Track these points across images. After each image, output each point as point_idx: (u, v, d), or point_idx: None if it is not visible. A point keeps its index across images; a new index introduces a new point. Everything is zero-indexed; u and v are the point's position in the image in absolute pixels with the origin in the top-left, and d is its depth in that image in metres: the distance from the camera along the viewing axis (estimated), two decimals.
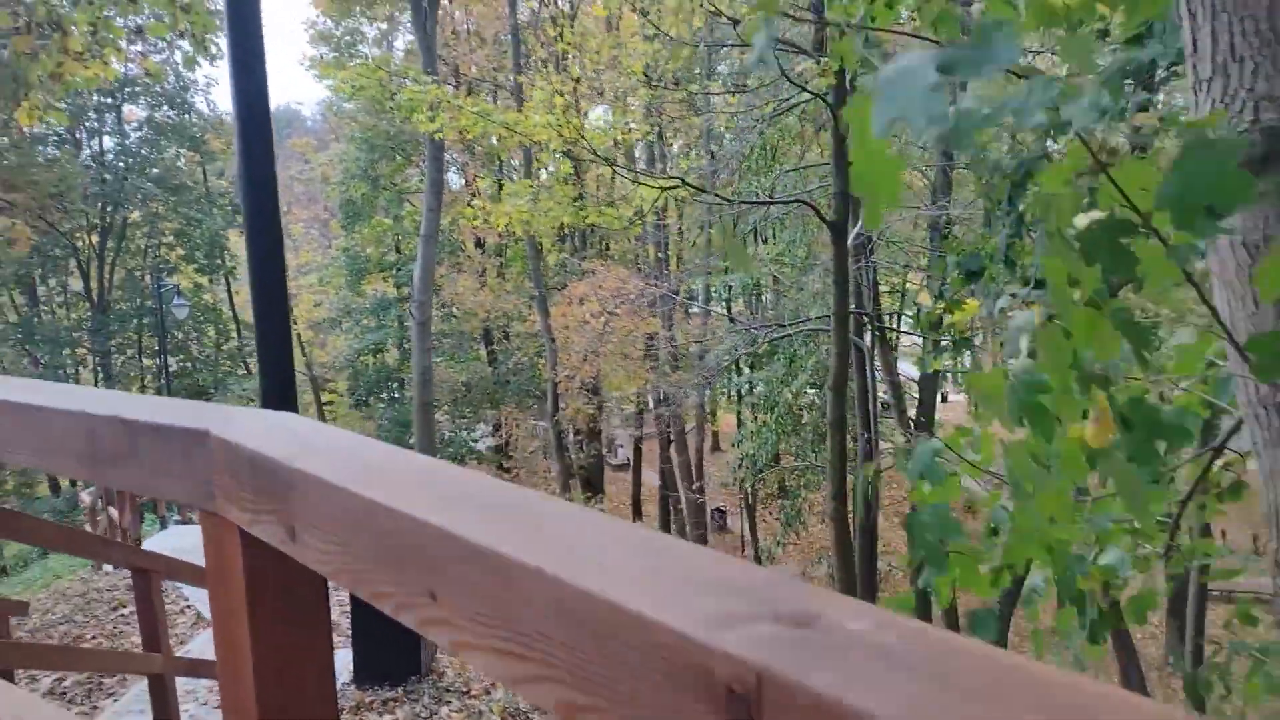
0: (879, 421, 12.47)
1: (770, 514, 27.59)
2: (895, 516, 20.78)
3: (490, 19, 24.67)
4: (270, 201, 3.92)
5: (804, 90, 6.77)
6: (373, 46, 26.26)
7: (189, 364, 26.63)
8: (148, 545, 10.70)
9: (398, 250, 28.71)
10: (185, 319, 21.01)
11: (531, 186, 8.88)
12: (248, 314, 32.33)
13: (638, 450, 29.25)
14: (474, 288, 23.94)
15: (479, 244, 26.22)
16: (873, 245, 11.00)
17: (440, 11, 17.81)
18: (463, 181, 25.42)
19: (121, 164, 24.36)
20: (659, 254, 20.37)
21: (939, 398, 19.21)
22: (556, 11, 23.52)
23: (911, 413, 13.55)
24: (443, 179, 16.05)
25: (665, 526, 27.28)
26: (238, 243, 29.93)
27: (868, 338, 11.31)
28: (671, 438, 24.47)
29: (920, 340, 14.31)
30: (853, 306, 8.99)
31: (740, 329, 11.74)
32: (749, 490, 24.22)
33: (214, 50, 4.42)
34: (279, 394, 4.17)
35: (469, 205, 9.88)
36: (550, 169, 25.29)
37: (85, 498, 12.44)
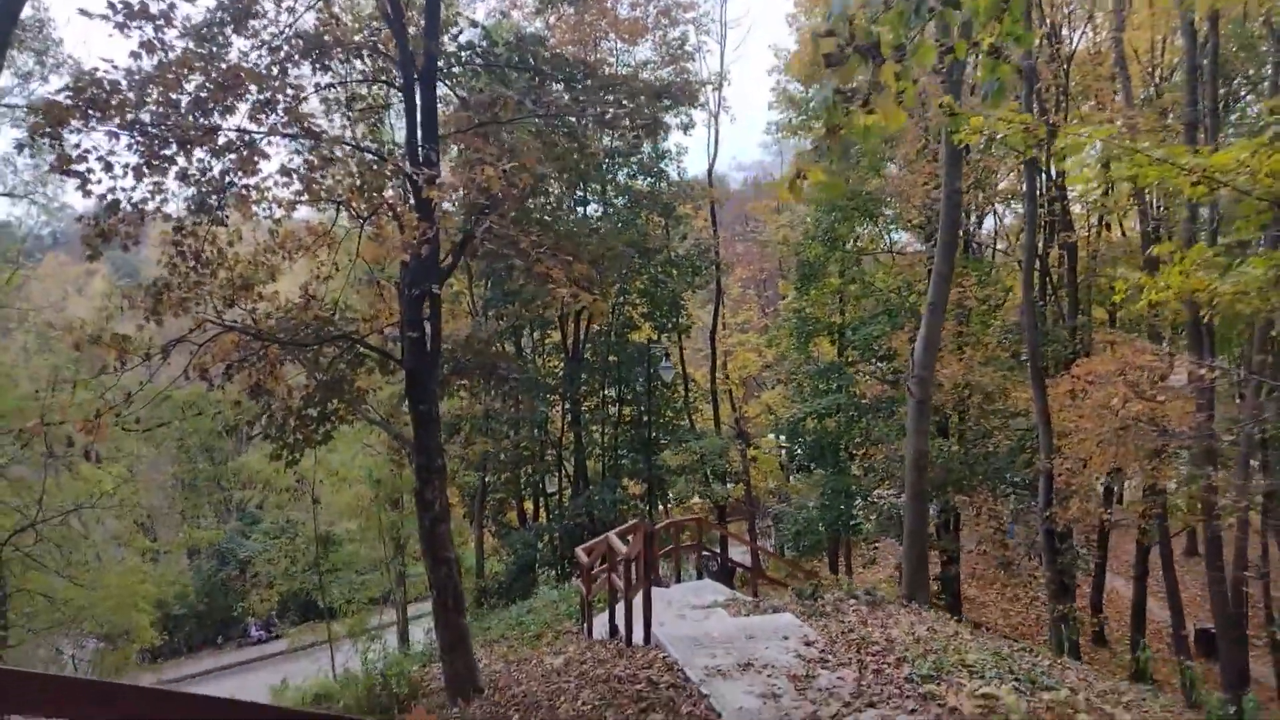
0: None
1: None
2: None
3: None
4: None
5: None
6: None
7: (643, 415, 27.82)
8: None
9: (842, 313, 27.70)
10: (671, 380, 21.78)
11: (1218, 251, 6.60)
12: (691, 369, 33.51)
13: (1103, 543, 24.55)
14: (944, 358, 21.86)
15: None
16: None
17: None
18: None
19: (603, 228, 26.16)
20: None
21: None
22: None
23: None
24: (956, 243, 14.24)
25: (1134, 646, 22.36)
26: (692, 302, 31.05)
27: None
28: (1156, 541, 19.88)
29: None
30: None
31: None
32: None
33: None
34: None
35: (1148, 275, 7.84)
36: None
37: (582, 556, 12.38)
